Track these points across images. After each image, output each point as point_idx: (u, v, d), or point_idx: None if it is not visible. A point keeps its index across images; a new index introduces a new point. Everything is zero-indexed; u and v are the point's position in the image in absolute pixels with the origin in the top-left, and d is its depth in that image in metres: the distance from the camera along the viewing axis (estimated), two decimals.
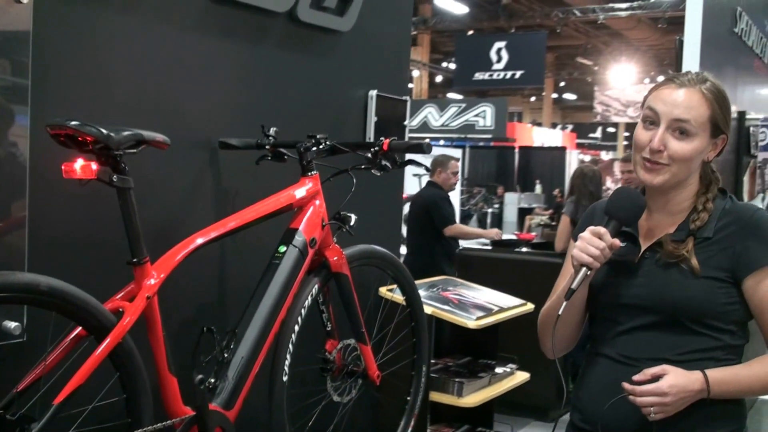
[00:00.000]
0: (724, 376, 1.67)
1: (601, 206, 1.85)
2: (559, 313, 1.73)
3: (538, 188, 14.71)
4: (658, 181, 1.72)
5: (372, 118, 3.11)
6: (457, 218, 6.88)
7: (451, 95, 23.61)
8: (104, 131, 1.71)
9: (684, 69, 4.03)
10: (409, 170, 5.27)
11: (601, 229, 1.69)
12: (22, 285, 1.62)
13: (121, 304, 1.84)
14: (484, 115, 15.63)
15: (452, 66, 15.34)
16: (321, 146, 2.35)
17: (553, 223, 12.93)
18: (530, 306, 3.42)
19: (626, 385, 1.67)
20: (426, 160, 2.96)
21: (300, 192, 2.30)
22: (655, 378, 1.65)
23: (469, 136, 15.74)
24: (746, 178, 4.90)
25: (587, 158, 16.56)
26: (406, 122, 3.29)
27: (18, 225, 1.89)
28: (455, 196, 9.26)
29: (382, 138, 2.34)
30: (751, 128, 4.82)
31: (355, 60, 3.05)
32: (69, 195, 1.98)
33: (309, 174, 2.35)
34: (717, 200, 1.76)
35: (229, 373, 2.06)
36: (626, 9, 18.10)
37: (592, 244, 1.68)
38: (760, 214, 1.74)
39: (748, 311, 1.72)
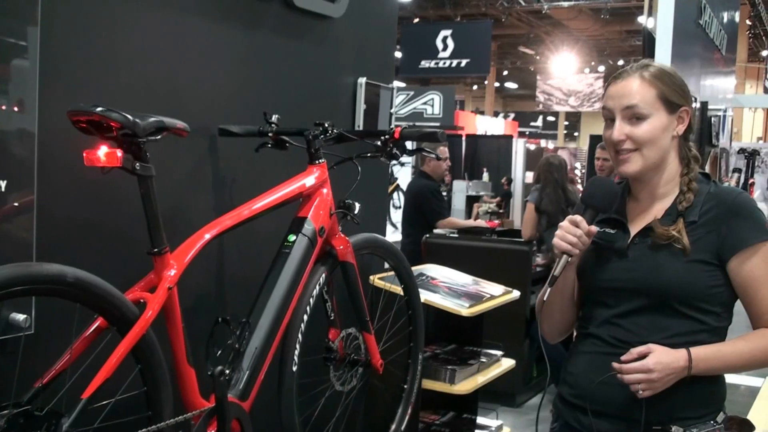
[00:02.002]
0: (707, 353, 1.73)
1: None
2: (544, 299, 1.87)
3: (486, 176, 14.83)
4: (633, 170, 1.80)
5: (361, 106, 3.10)
6: None
7: (395, 83, 23.65)
8: (130, 118, 1.67)
9: (656, 60, 4.11)
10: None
11: (578, 218, 1.79)
12: (50, 276, 1.57)
13: (142, 295, 1.80)
14: (432, 103, 15.67)
15: (398, 54, 15.31)
16: (328, 134, 2.33)
17: (501, 211, 13.09)
18: (516, 293, 3.46)
19: (615, 365, 1.74)
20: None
21: (309, 180, 2.27)
22: (642, 356, 1.71)
23: (418, 124, 15.78)
24: (708, 167, 5.03)
25: (532, 147, 16.76)
26: (392, 110, 3.28)
27: (26, 212, 1.83)
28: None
29: (392, 126, 2.33)
30: (713, 119, 4.94)
31: (345, 47, 3.03)
32: (79, 181, 1.93)
33: (317, 162, 2.32)
34: (701, 185, 1.82)
35: (243, 363, 2.04)
36: None
37: (569, 232, 1.78)
38: (742, 197, 1.80)
39: (733, 293, 1.78)
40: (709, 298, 1.76)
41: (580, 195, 1.94)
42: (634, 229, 1.84)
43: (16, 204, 1.81)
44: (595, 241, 1.84)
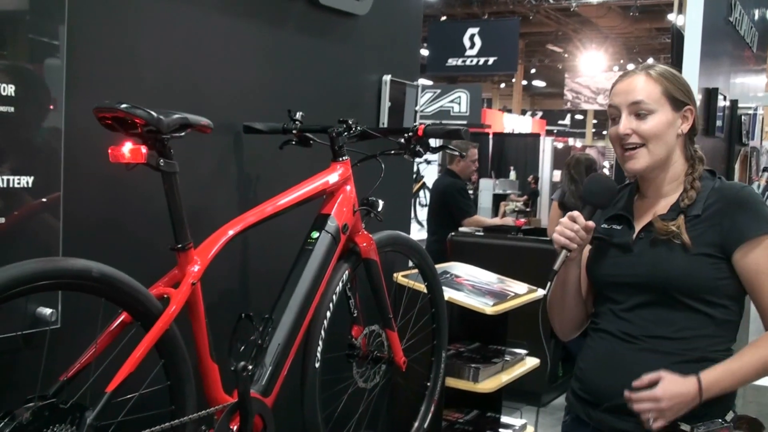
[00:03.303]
0: (717, 376, 1.72)
1: None
2: (546, 293, 1.94)
3: (513, 174, 14.78)
4: (640, 166, 1.83)
5: (386, 103, 3.10)
6: None
7: (422, 81, 23.61)
8: (154, 114, 1.68)
9: (685, 59, 4.07)
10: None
11: (575, 213, 1.84)
12: (75, 271, 1.59)
13: (166, 290, 1.82)
14: (459, 101, 15.59)
15: (425, 52, 15.27)
16: (352, 131, 2.33)
17: (528, 209, 13.04)
18: (541, 292, 3.43)
19: (626, 393, 1.74)
20: None
21: (333, 177, 2.28)
22: (653, 384, 1.71)
23: (444, 122, 15.73)
24: (737, 166, 4.96)
25: (560, 145, 16.67)
26: (417, 108, 3.28)
27: (53, 207, 1.86)
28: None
29: (416, 123, 2.33)
30: (743, 117, 4.88)
31: (370, 45, 3.03)
32: (105, 178, 1.95)
33: (340, 159, 2.33)
34: (706, 181, 1.85)
35: (266, 359, 2.05)
36: None
37: (567, 227, 1.82)
38: (746, 190, 1.84)
39: (740, 285, 1.79)
40: (715, 291, 1.77)
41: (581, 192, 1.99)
42: (640, 225, 1.88)
43: (43, 200, 1.83)
44: (601, 237, 1.89)
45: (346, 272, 2.31)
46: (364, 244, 2.37)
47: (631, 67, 2.01)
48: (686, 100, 1.85)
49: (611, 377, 1.82)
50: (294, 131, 2.38)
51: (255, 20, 2.47)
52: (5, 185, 1.75)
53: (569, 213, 1.84)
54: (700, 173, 1.85)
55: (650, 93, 1.81)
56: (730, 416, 1.81)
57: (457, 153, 2.65)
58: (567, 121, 28.90)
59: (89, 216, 1.98)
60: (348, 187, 2.33)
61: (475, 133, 15.99)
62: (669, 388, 1.69)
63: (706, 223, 1.78)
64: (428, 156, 11.10)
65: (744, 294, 1.81)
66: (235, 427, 1.93)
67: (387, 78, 3.10)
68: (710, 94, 4.43)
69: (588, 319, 2.00)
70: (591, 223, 1.84)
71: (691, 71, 4.08)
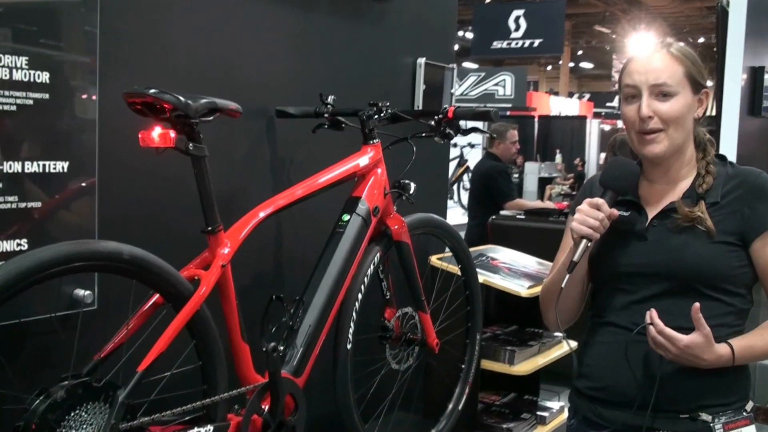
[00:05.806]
0: (741, 349, 1.66)
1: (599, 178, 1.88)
2: (563, 286, 1.74)
3: (558, 157, 14.64)
4: (659, 150, 1.73)
5: (420, 86, 3.10)
6: None
7: (466, 64, 23.43)
8: (182, 99, 1.70)
9: (729, 37, 3.98)
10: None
11: (599, 200, 1.72)
12: (106, 253, 1.62)
13: (197, 272, 1.85)
14: (503, 84, 15.47)
15: (469, 35, 15.14)
16: (383, 114, 2.34)
17: (573, 193, 12.91)
18: None
19: (652, 314, 1.64)
20: None
21: (363, 160, 2.29)
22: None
23: (489, 105, 15.61)
24: None
25: (607, 127, 16.44)
26: (453, 90, 3.27)
27: (88, 192, 1.90)
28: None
29: (446, 106, 2.32)
30: None
31: (404, 27, 3.03)
32: (138, 163, 1.99)
33: (371, 142, 2.34)
34: (718, 167, 1.77)
35: (297, 340, 2.07)
36: None
37: (590, 215, 1.70)
38: (764, 176, 1.75)
39: (755, 274, 1.73)
40: (734, 279, 1.71)
41: (600, 177, 1.86)
42: (651, 211, 1.78)
43: (78, 184, 1.88)
44: (611, 224, 1.75)
45: (378, 254, 2.32)
46: (396, 227, 2.38)
47: None
48: (704, 82, 1.76)
49: (625, 372, 1.73)
50: (326, 115, 2.40)
51: (287, 3, 2.48)
52: (41, 170, 1.80)
53: (590, 200, 1.73)
54: (713, 157, 1.78)
55: (673, 74, 1.72)
56: (749, 406, 1.74)
57: (488, 134, 2.63)
58: (615, 103, 28.41)
59: (124, 200, 2.02)
60: (379, 170, 2.34)
61: (520, 116, 15.85)
62: (694, 346, 1.60)
63: (726, 210, 1.71)
64: (471, 139, 11.07)
65: (755, 283, 1.74)
66: (266, 407, 1.96)
67: (422, 61, 3.09)
68: (756, 73, 4.32)
69: (579, 313, 1.91)
70: (615, 212, 1.72)
71: (736, 49, 3.98)
